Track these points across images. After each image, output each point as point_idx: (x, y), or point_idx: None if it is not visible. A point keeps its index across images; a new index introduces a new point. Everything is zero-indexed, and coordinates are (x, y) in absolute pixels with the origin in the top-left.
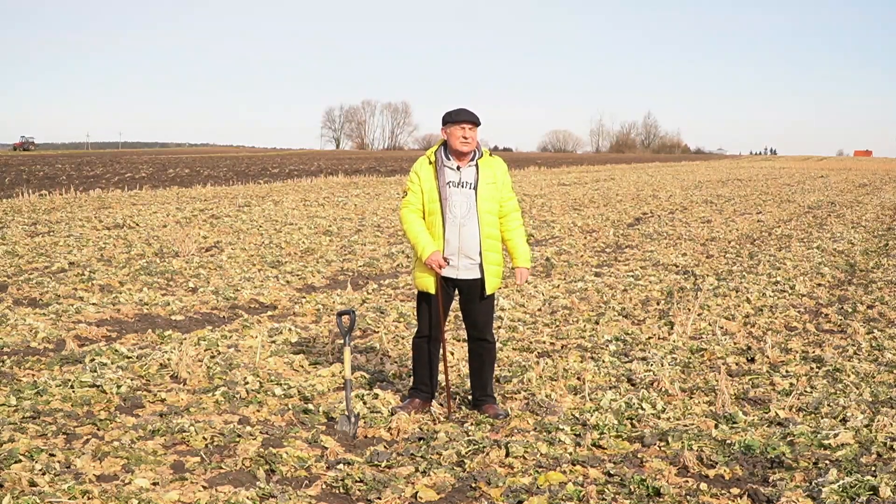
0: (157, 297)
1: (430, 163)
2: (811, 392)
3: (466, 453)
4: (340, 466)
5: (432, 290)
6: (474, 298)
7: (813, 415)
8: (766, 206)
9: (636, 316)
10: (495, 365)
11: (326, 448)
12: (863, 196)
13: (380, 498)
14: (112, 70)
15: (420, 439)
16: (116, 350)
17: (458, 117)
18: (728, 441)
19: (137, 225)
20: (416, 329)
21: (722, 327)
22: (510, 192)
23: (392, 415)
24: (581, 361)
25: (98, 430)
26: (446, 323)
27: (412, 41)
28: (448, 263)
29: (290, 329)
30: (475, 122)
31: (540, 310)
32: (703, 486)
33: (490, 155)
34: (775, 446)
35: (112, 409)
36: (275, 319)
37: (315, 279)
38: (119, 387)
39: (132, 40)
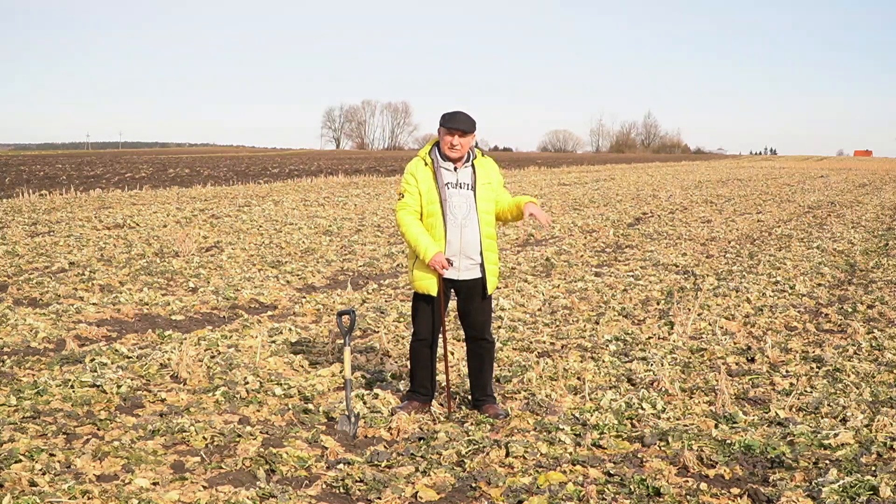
0: (157, 297)
1: (426, 164)
2: (811, 392)
3: (466, 453)
4: (340, 466)
5: (434, 292)
6: (474, 298)
7: (813, 415)
8: (766, 206)
9: (636, 316)
10: (495, 365)
11: (326, 448)
12: (863, 196)
13: (380, 498)
14: (112, 70)
15: (420, 439)
16: (116, 350)
17: (451, 124)
18: (728, 441)
19: (137, 225)
20: (412, 332)
21: (722, 327)
22: (503, 189)
23: (392, 415)
24: (581, 361)
25: (98, 430)
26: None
27: (412, 41)
28: (451, 265)
29: (290, 329)
30: (466, 131)
31: (540, 310)
32: (703, 485)
33: (483, 155)
34: (775, 446)
35: (112, 409)
36: (275, 319)
37: (315, 279)
38: (119, 387)
39: (132, 40)
